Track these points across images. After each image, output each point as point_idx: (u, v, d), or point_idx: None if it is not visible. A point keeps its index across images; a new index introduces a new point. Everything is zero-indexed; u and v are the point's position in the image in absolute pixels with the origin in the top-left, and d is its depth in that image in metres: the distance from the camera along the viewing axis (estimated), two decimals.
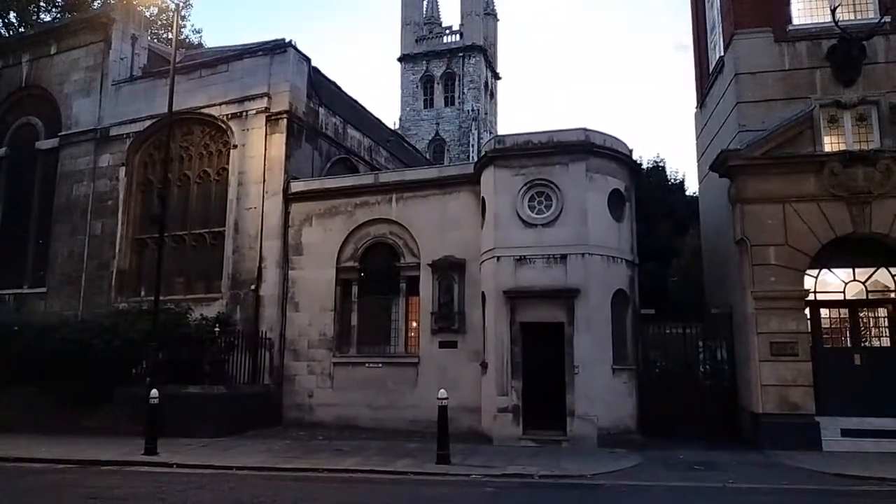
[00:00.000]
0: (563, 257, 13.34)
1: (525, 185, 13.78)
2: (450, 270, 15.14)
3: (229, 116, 17.75)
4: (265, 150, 17.19)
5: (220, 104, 17.91)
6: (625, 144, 14.51)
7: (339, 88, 21.24)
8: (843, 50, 12.40)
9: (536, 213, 13.71)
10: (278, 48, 17.84)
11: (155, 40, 25.51)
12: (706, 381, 14.42)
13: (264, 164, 17.14)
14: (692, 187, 29.70)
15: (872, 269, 12.53)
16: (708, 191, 16.25)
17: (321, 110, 19.01)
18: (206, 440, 13.21)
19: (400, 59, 57.23)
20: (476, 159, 17.56)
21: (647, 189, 29.56)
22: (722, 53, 14.39)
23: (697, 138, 17.46)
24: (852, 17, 12.77)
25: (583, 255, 13.30)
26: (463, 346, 14.85)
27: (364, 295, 16.15)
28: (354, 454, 11.73)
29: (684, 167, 59.47)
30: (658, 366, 14.79)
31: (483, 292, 14.37)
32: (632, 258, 14.46)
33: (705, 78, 16.43)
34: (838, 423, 11.92)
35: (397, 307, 15.93)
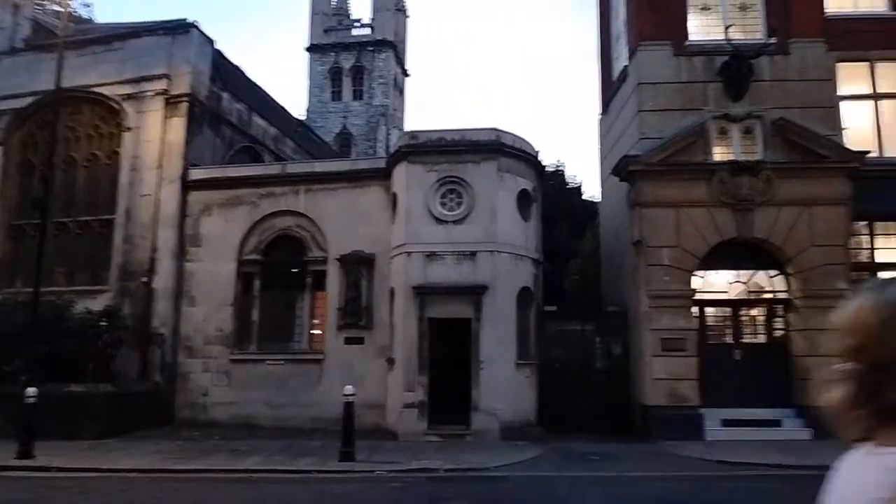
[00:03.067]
0: (473, 254, 13.50)
1: (437, 181, 13.82)
2: (359, 265, 14.95)
3: (124, 97, 16.58)
4: (163, 134, 16.20)
5: (114, 83, 16.69)
6: (532, 146, 14.90)
7: (244, 74, 20.43)
8: (734, 67, 13.34)
9: (448, 210, 13.79)
10: (181, 28, 16.88)
11: (40, 11, 23.43)
12: (602, 376, 15.07)
13: (161, 149, 16.14)
14: (589, 191, 31.03)
15: (753, 271, 13.56)
16: (609, 194, 17.01)
17: (225, 95, 18.19)
18: (91, 442, 12.28)
19: (308, 49, 55.84)
20: (385, 154, 17.42)
21: (547, 192, 30.66)
22: (626, 63, 15.09)
23: (600, 143, 18.23)
24: (743, 37, 13.76)
25: (492, 252, 13.53)
26: (370, 342, 14.70)
27: (267, 289, 15.62)
28: (254, 454, 11.30)
29: (582, 172, 61.97)
30: (558, 361, 15.29)
31: (392, 288, 14.29)
32: (537, 256, 14.88)
33: (609, 86, 17.19)
34: (720, 413, 12.80)
35: (302, 302, 15.52)
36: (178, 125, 16.23)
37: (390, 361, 13.94)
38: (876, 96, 13.82)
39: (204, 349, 15.45)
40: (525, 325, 14.12)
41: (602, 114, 18.05)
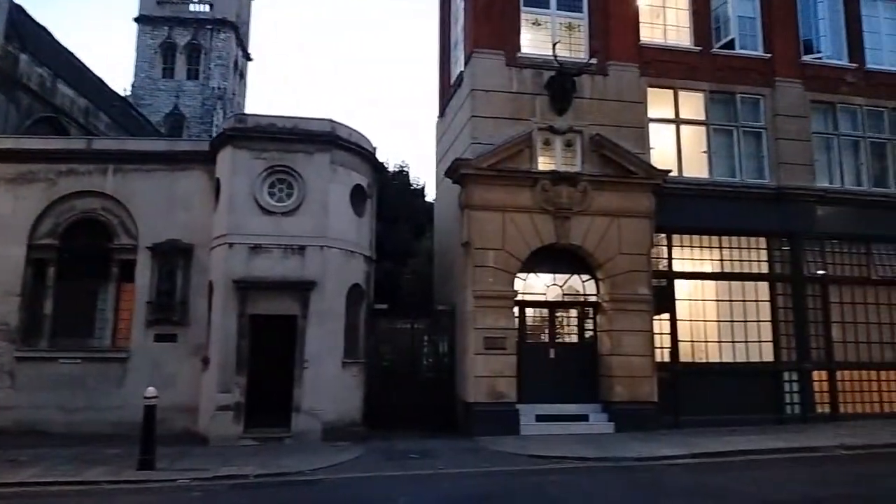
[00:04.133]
0: (302, 248, 12.99)
1: (266, 169, 13.12)
2: (174, 255, 13.76)
3: None
4: None
5: None
6: (370, 141, 14.69)
7: (51, 37, 18.06)
8: (559, 82, 14.14)
9: (276, 201, 13.14)
10: None
11: None
12: (429, 374, 15.26)
13: None
14: (432, 193, 31.45)
15: (568, 276, 14.45)
16: (442, 196, 17.29)
17: (24, 57, 15.93)
18: None
19: (137, 20, 51.09)
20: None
21: (391, 192, 30.71)
22: (462, 69, 15.41)
23: (437, 146, 18.50)
24: (568, 55, 14.62)
25: (322, 247, 13.10)
26: (184, 340, 13.58)
27: (64, 279, 13.82)
28: (35, 464, 9.92)
29: (426, 174, 62.99)
30: (387, 360, 15.24)
31: (211, 281, 13.33)
32: (370, 254, 14.69)
33: (447, 89, 17.48)
34: (535, 409, 13.49)
35: (106, 295, 13.95)
36: None
37: (205, 361, 12.98)
38: (678, 121, 15.38)
39: None
40: (354, 322, 13.86)
41: (439, 117, 18.32)
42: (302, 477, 9.52)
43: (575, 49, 14.90)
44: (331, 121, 13.68)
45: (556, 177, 13.92)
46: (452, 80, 16.85)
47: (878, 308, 15.71)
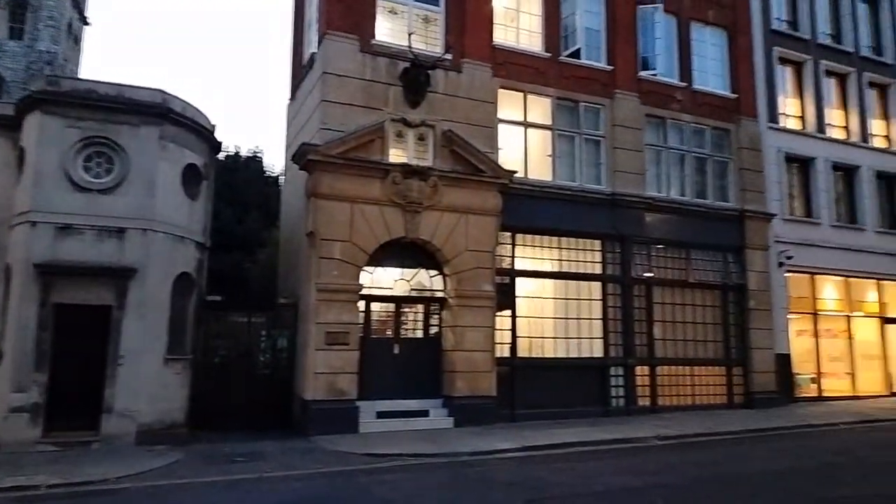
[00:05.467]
0: (121, 231, 11.70)
1: (81, 140, 11.67)
2: None
3: None
4: None
5: None
6: (208, 119, 13.62)
7: None
8: (413, 74, 13.93)
9: (93, 177, 11.74)
10: None
11: None
12: (266, 371, 14.45)
13: None
14: None
15: (416, 270, 14.31)
16: (291, 182, 16.48)
17: None
18: None
19: None
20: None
21: (242, 178, 29.00)
22: (315, 50, 14.74)
23: (287, 129, 17.61)
24: (424, 48, 14.47)
25: (145, 230, 11.89)
26: None
27: None
28: None
29: (282, 161, 60.51)
30: (219, 355, 14.20)
31: (9, 264, 11.61)
32: (203, 240, 13.60)
33: (299, 70, 16.68)
34: (376, 406, 13.19)
35: None
36: None
37: None
38: (526, 124, 15.81)
39: None
40: (182, 315, 12.76)
41: (291, 99, 17.45)
42: (105, 486, 8.51)
43: (431, 42, 14.78)
44: (162, 91, 12.46)
45: (407, 170, 13.70)
46: (305, 60, 16.09)
47: (693, 308, 17.23)
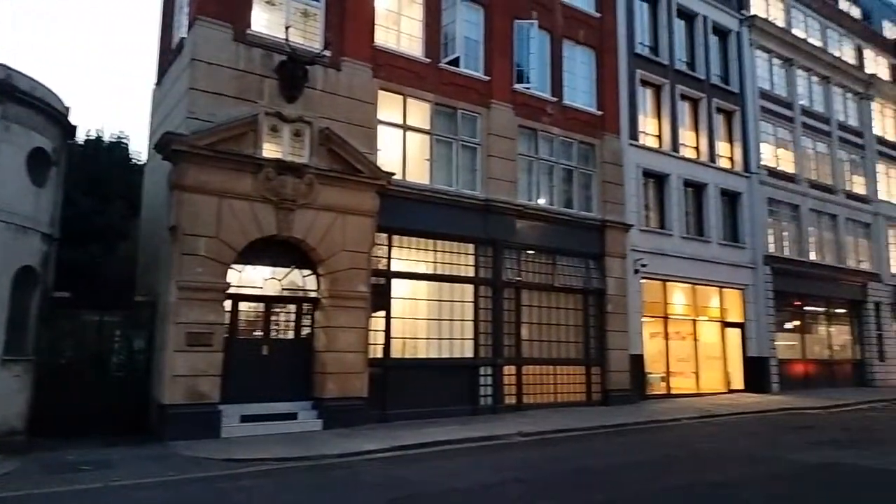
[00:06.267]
0: None
1: None
2: None
3: None
4: None
5: None
6: (60, 100, 12.52)
7: None
8: (290, 68, 13.60)
9: None
10: None
11: None
12: (120, 373, 13.48)
13: None
14: None
15: (289, 270, 13.98)
16: (154, 172, 15.50)
17: None
18: None
19: None
20: None
21: (105, 165, 26.84)
22: (185, 35, 13.99)
23: (152, 115, 16.57)
24: (302, 42, 14.17)
25: None
26: None
27: None
28: None
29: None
30: (66, 357, 13.07)
31: None
32: (51, 231, 12.46)
33: (167, 55, 15.74)
34: (241, 409, 12.70)
35: None
36: None
37: None
38: (406, 127, 15.95)
39: None
40: (23, 313, 11.60)
41: (157, 84, 16.44)
42: None
43: (310, 37, 14.50)
44: (6, 67, 11.29)
45: (282, 166, 13.35)
46: (174, 44, 15.21)
47: (558, 311, 18.19)
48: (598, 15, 20.22)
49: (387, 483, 8.72)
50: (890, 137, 32.38)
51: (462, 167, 16.75)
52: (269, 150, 13.51)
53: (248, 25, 13.58)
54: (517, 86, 17.75)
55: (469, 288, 16.47)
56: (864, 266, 29.05)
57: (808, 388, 24.27)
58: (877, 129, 31.43)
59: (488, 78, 17.27)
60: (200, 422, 11.96)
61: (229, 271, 12.88)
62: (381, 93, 15.39)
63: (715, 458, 10.95)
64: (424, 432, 12.69)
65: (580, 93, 19.55)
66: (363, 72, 14.98)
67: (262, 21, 13.98)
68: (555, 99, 18.70)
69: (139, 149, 29.95)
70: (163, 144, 12.55)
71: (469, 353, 16.16)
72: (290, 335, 14.14)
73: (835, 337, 27.94)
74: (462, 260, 16.48)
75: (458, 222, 16.11)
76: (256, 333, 13.75)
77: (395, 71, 15.67)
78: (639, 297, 20.07)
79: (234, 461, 10.22)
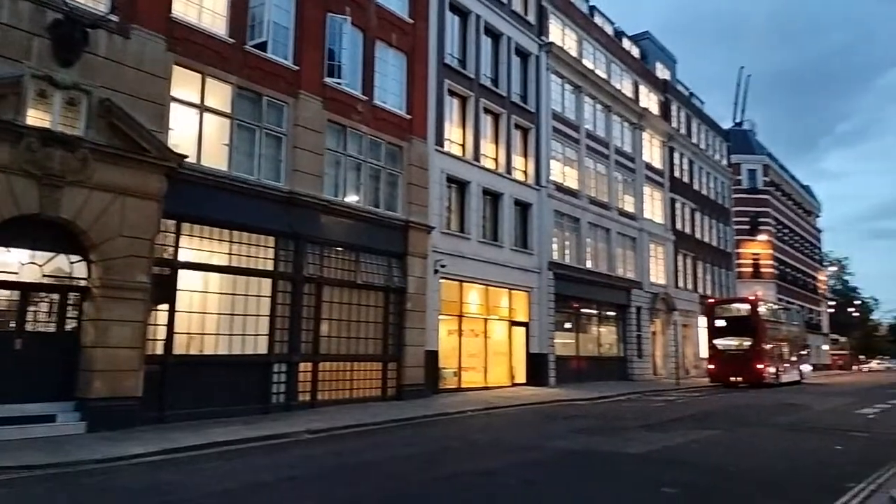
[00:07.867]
0: None
1: None
2: None
3: None
4: None
5: None
6: None
7: None
8: (67, 29, 12.07)
9: None
10: None
11: None
12: None
13: None
14: None
15: (53, 254, 12.42)
16: None
17: None
18: None
19: None
20: None
21: None
22: None
23: None
24: (84, 2, 12.67)
25: None
26: None
27: None
28: None
29: None
30: None
31: None
32: None
33: None
34: None
35: None
36: None
37: None
38: (203, 108, 14.97)
39: None
40: None
41: None
42: None
43: None
44: None
45: (49, 136, 11.78)
46: None
47: (359, 308, 18.33)
48: (411, 21, 20.75)
49: (150, 488, 8.09)
50: (656, 164, 37.49)
51: (266, 156, 16.16)
52: (35, 118, 11.87)
53: None
54: (328, 79, 17.57)
55: (267, 282, 15.93)
56: (630, 275, 33.29)
57: (580, 381, 27.18)
58: (646, 156, 36.23)
59: (298, 68, 16.87)
60: None
61: None
62: (176, 68, 14.29)
63: (488, 447, 11.76)
64: (204, 433, 12.02)
65: (391, 95, 19.90)
66: (156, 43, 13.78)
67: None
68: (366, 98, 18.81)
69: None
70: None
71: (263, 350, 15.62)
72: (52, 328, 12.58)
73: (604, 336, 31.64)
74: (261, 253, 15.89)
75: (259, 213, 15.52)
76: (10, 326, 12.01)
77: (194, 47, 14.65)
78: (437, 296, 20.93)
79: None
